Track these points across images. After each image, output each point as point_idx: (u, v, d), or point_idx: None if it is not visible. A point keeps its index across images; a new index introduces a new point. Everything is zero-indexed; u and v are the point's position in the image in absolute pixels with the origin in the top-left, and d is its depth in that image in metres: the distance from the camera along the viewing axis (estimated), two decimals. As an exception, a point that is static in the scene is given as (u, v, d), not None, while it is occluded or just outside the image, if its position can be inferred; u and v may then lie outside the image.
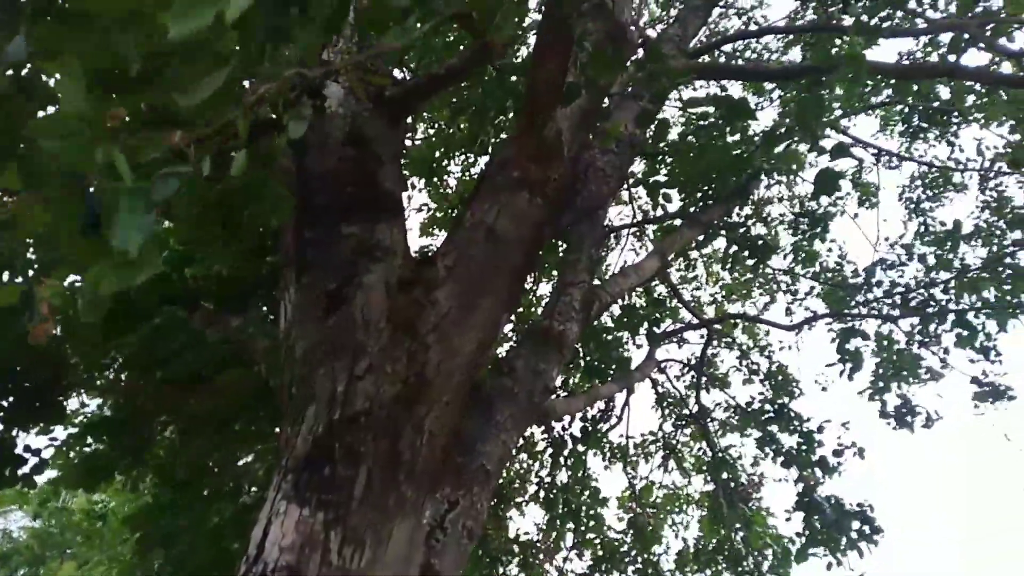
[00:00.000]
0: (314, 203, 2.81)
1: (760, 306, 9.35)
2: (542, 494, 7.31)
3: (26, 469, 4.33)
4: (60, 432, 4.73)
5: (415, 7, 1.53)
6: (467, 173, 7.21)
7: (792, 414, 7.25)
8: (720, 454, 7.80)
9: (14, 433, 4.26)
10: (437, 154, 6.54)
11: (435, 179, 6.89)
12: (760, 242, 5.60)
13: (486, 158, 6.23)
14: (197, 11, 0.86)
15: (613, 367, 6.10)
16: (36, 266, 3.15)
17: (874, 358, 7.69)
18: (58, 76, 0.93)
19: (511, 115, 5.23)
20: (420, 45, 3.01)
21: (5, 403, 4.13)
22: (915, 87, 7.20)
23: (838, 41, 5.61)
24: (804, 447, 7.16)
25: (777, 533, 7.50)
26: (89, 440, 4.97)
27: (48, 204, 1.12)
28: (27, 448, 4.35)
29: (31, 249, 3.10)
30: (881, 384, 7.69)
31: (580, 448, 7.01)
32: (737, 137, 4.21)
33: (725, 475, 7.75)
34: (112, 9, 0.97)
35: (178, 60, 1.11)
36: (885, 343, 7.78)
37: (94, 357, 4.71)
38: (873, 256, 8.50)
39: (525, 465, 7.88)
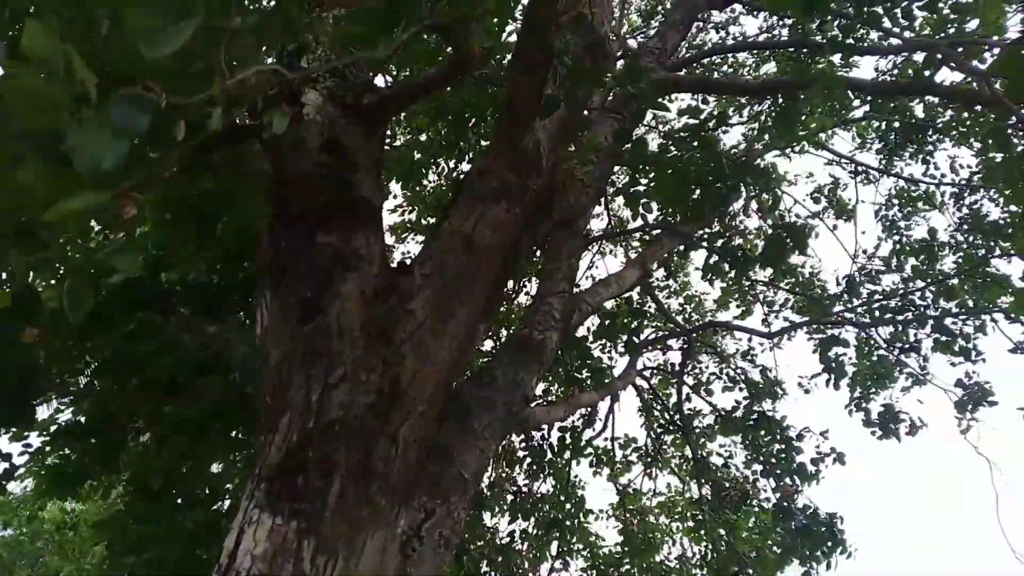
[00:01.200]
0: (290, 210, 2.80)
1: (738, 315, 9.47)
2: (518, 503, 7.29)
3: (-3, 474, 4.27)
4: (36, 439, 4.66)
5: (391, 23, 1.53)
6: (445, 179, 7.22)
7: (772, 420, 7.31)
8: (702, 460, 7.84)
9: (-16, 438, 4.20)
10: (416, 157, 6.54)
11: (412, 184, 6.88)
12: (739, 254, 5.64)
13: (466, 165, 6.27)
14: None
15: (594, 376, 6.12)
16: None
17: (852, 367, 7.79)
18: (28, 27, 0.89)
19: (491, 123, 5.25)
20: (400, 52, 3.01)
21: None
22: (892, 104, 7.32)
23: (816, 58, 5.71)
24: (783, 454, 7.22)
25: (762, 539, 7.52)
26: (62, 446, 4.89)
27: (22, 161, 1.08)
28: (-1, 454, 4.29)
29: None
30: (861, 391, 7.80)
31: (564, 457, 7.01)
32: (707, 152, 4.27)
33: (708, 481, 7.79)
34: None
35: (142, 12, 1.05)
36: (865, 350, 7.90)
37: (67, 361, 4.65)
38: (851, 267, 8.61)
39: (504, 474, 7.87)
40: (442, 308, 2.76)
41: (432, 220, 6.97)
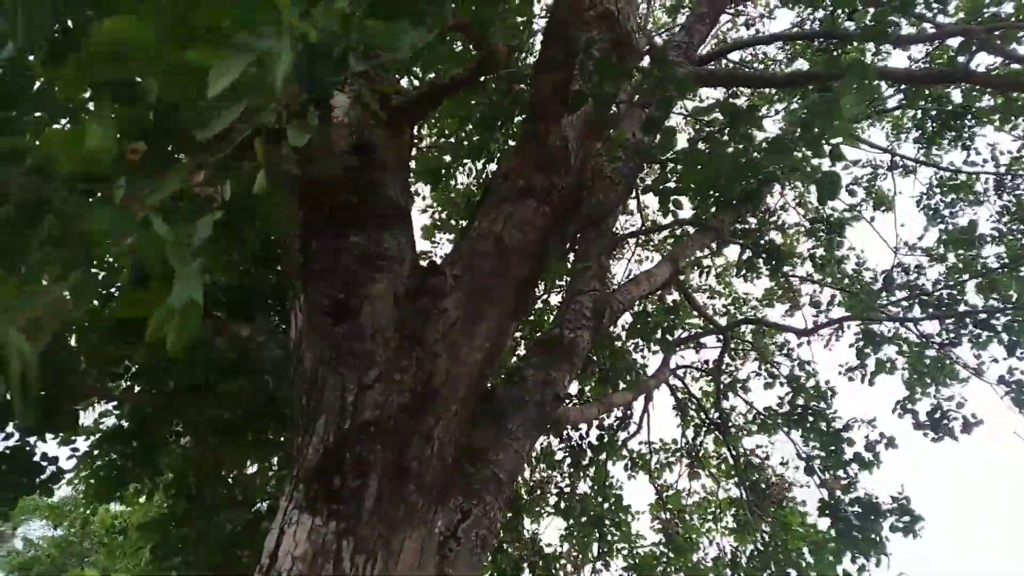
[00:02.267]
0: (320, 213, 2.82)
1: (780, 313, 9.32)
2: (563, 504, 7.27)
3: (44, 477, 4.38)
4: (84, 444, 4.78)
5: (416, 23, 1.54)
6: (474, 179, 7.24)
7: (815, 415, 7.16)
8: (743, 458, 7.72)
9: (32, 442, 4.31)
10: (446, 159, 6.58)
11: (441, 185, 6.92)
12: (775, 249, 5.56)
13: (493, 165, 6.27)
14: (232, 65, 0.88)
15: (627, 375, 6.07)
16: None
17: (903, 367, 7.61)
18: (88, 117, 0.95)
19: (518, 123, 5.25)
20: (425, 53, 3.02)
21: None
22: (927, 91, 7.14)
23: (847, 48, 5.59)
24: (832, 449, 7.06)
25: (816, 531, 7.36)
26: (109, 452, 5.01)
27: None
28: (44, 457, 4.39)
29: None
30: (909, 392, 7.61)
31: (600, 457, 6.96)
32: (742, 146, 4.21)
33: (748, 481, 7.67)
34: (137, 49, 0.99)
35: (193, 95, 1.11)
36: (913, 348, 7.70)
37: (105, 366, 4.76)
38: (893, 260, 8.42)
39: (544, 475, 7.86)
40: (473, 308, 2.76)
41: (463, 221, 6.99)
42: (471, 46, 2.66)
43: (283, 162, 2.87)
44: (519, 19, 2.25)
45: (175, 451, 4.70)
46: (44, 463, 4.35)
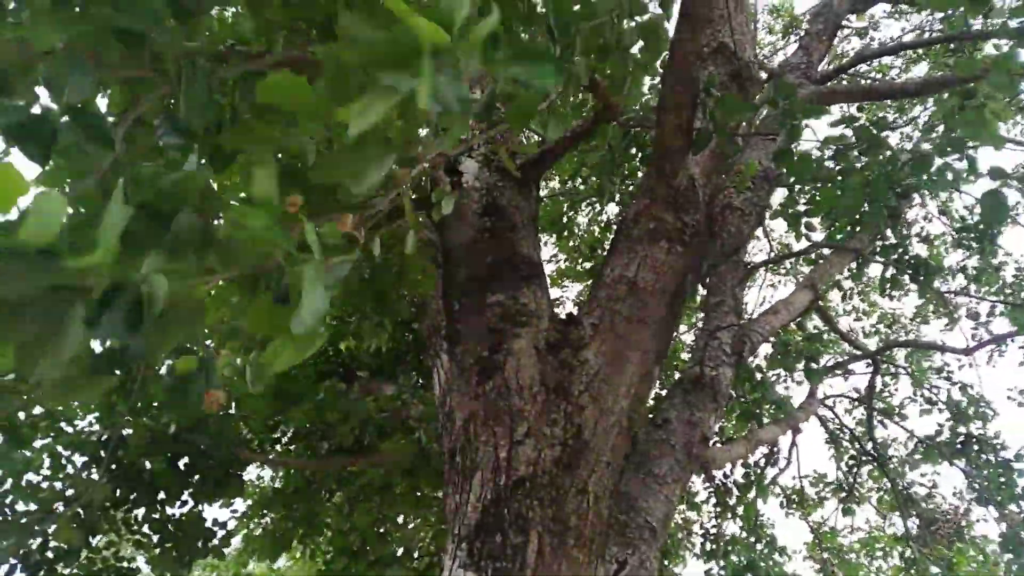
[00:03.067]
0: (459, 275, 2.93)
1: (935, 330, 8.65)
2: (709, 547, 6.96)
3: (215, 541, 4.69)
4: (240, 504, 5.13)
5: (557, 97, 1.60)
6: (595, 223, 7.27)
7: (983, 441, 6.51)
8: (904, 491, 7.12)
9: (201, 507, 4.65)
10: (564, 207, 6.67)
11: (563, 232, 7.00)
12: (921, 263, 5.17)
13: (613, 207, 6.27)
14: (375, 106, 0.93)
15: (771, 408, 5.78)
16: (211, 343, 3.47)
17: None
18: (253, 169, 1.04)
19: (637, 163, 5.24)
20: (555, 112, 3.10)
21: (192, 480, 4.53)
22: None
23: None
24: (1003, 478, 6.39)
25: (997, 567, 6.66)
26: (265, 511, 5.32)
27: (241, 284, 1.23)
28: (215, 522, 4.72)
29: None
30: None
31: (749, 495, 6.63)
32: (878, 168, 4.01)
33: (914, 514, 7.05)
34: (297, 105, 1.07)
35: (348, 149, 1.19)
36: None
37: (265, 432, 5.09)
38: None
39: (688, 517, 7.58)
40: (614, 356, 2.75)
41: (586, 264, 7.01)
42: (594, 102, 2.71)
43: (425, 229, 3.03)
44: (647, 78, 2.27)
45: (333, 510, 4.92)
46: (215, 527, 4.66)
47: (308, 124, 1.16)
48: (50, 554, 3.78)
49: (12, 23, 1.25)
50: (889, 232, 5.30)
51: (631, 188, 5.34)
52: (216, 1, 1.51)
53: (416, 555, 4.78)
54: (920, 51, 7.49)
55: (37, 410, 3.91)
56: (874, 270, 8.55)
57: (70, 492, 3.47)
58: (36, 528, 3.62)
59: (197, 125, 1.34)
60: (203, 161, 1.97)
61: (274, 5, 1.55)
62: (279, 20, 1.58)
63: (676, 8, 2.70)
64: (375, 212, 1.57)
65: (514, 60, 1.14)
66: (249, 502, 5.44)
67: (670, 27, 2.47)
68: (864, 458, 7.43)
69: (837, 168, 3.57)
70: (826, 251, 5.18)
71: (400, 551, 4.75)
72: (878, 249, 5.35)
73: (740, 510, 6.96)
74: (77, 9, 1.18)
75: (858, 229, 5.10)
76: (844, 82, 5.65)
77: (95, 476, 3.81)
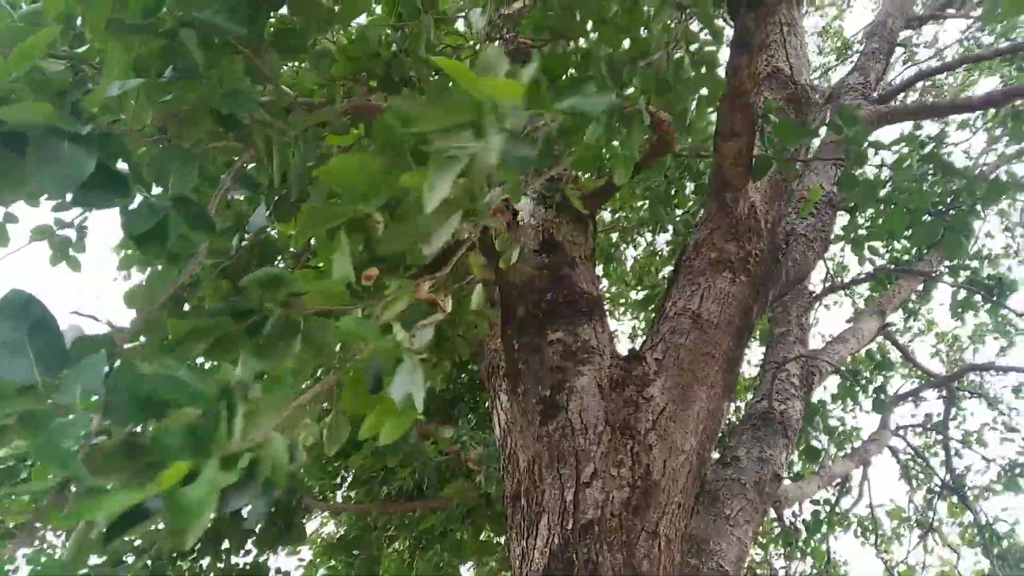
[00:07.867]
0: (518, 313, 2.89)
1: (1000, 351, 8.22)
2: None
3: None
4: (306, 552, 5.11)
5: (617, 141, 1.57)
6: (647, 252, 7.18)
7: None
8: (990, 524, 6.70)
9: (267, 556, 4.64)
10: (614, 238, 6.62)
11: (613, 263, 6.94)
12: (997, 281, 4.94)
13: (666, 235, 6.19)
14: (443, 175, 0.91)
15: (842, 442, 5.56)
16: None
17: None
18: (331, 256, 1.04)
19: (688, 193, 5.18)
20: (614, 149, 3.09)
21: (256, 529, 4.54)
22: None
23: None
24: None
25: None
26: (329, 558, 5.29)
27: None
28: (278, 571, 4.70)
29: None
30: None
31: (820, 532, 6.34)
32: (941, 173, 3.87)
33: (1000, 547, 6.62)
34: (360, 183, 1.07)
35: (414, 213, 1.19)
36: None
37: (326, 478, 5.09)
38: None
39: (753, 558, 7.28)
40: (681, 392, 2.66)
41: (640, 293, 6.90)
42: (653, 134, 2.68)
43: (475, 269, 3.01)
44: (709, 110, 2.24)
45: (395, 556, 4.87)
46: (279, 576, 4.64)
47: (374, 200, 1.16)
48: (120, 605, 3.79)
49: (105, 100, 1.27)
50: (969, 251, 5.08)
51: (679, 215, 5.26)
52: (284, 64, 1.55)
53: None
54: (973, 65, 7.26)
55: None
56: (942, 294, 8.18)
57: (138, 543, 3.49)
58: (106, 579, 3.64)
59: (296, 195, 1.37)
60: (268, 213, 2.00)
61: (339, 61, 1.57)
62: (341, 74, 1.60)
63: (729, 34, 2.66)
64: (447, 272, 1.55)
65: (564, 92, 1.13)
66: (314, 549, 5.43)
67: (723, 54, 2.44)
68: (943, 491, 7.04)
69: (902, 194, 3.45)
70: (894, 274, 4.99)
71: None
72: (946, 270, 5.14)
73: (809, 548, 6.66)
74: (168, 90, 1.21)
75: (925, 251, 4.92)
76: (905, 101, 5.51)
77: (161, 526, 3.83)
